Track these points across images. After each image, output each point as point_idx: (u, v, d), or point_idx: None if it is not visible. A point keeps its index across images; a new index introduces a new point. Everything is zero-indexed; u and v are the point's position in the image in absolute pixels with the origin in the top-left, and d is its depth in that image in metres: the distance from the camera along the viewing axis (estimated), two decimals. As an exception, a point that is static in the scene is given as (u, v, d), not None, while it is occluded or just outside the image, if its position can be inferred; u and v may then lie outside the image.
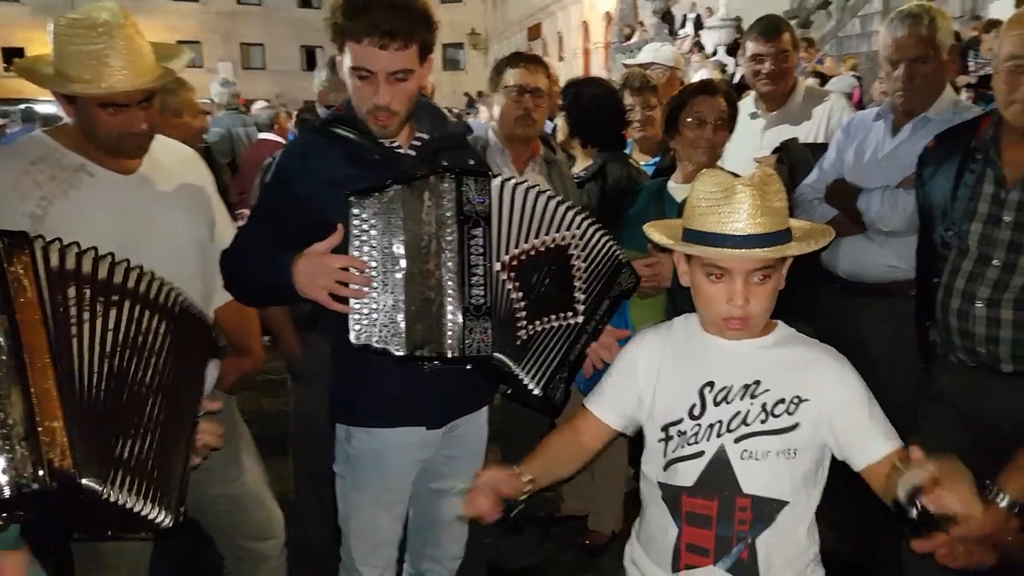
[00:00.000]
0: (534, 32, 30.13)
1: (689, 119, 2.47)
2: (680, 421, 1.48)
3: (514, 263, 1.75)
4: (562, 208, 1.82)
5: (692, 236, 1.41)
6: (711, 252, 1.38)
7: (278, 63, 32.24)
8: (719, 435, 1.44)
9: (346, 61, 1.76)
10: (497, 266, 1.73)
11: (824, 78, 7.11)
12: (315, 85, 3.22)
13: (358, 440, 1.88)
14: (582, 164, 3.13)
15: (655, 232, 1.50)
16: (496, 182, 1.74)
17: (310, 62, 30.85)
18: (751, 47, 3.10)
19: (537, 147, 2.80)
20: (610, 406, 1.60)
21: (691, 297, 1.51)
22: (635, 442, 1.64)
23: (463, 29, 32.68)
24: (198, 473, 1.61)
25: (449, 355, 1.70)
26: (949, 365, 2.07)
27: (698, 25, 17.09)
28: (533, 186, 1.80)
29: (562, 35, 27.64)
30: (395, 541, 2.00)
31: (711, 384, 1.46)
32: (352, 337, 1.67)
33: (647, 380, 1.54)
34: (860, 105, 6.90)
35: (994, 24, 7.67)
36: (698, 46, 15.35)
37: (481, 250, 1.71)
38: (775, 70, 3.04)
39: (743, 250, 1.34)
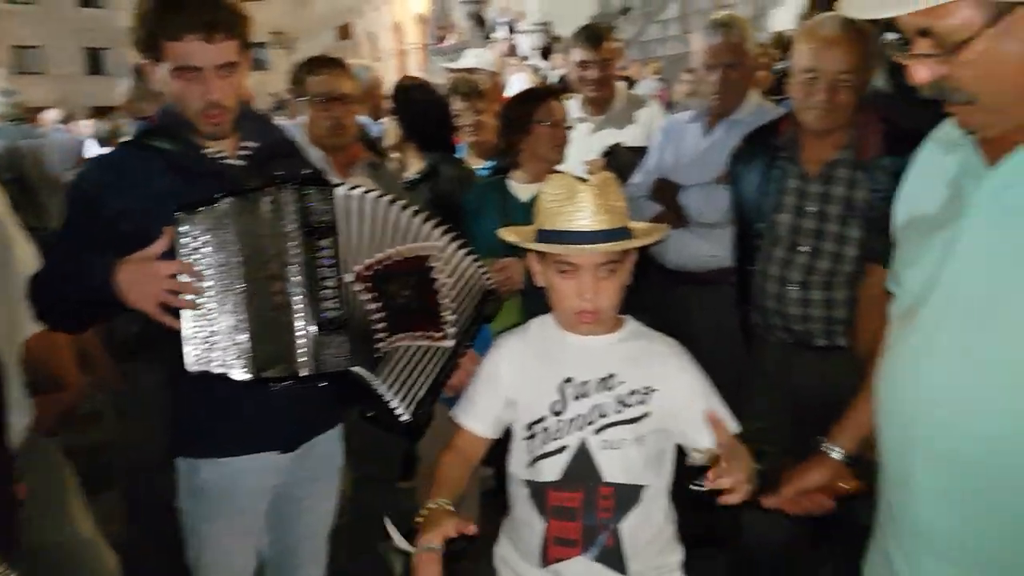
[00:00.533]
0: (344, 32, 29.62)
1: (543, 120, 2.54)
2: (544, 419, 1.53)
3: (368, 273, 1.70)
4: (417, 218, 1.79)
5: (543, 236, 1.49)
6: (560, 248, 1.46)
7: (58, 67, 29.58)
8: (580, 428, 1.50)
9: (164, 65, 1.66)
10: (349, 277, 1.68)
11: (630, 82, 7.52)
12: (118, 95, 3.01)
13: (206, 471, 1.77)
14: (416, 167, 3.10)
15: (510, 235, 1.54)
16: (341, 191, 1.69)
17: (94, 65, 28.56)
18: (577, 54, 3.24)
19: (358, 151, 2.73)
20: (483, 416, 1.62)
21: (544, 298, 1.56)
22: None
23: (266, 28, 31.49)
24: (23, 524, 1.46)
25: (303, 372, 1.63)
26: (768, 343, 2.27)
27: (510, 29, 17.57)
28: (381, 194, 1.77)
29: (375, 35, 27.36)
30: (251, 572, 1.91)
31: (570, 380, 1.53)
32: (189, 363, 1.56)
33: (512, 383, 1.58)
34: (667, 106, 7.37)
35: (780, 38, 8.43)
36: (512, 49, 15.76)
37: (331, 261, 1.65)
38: (601, 76, 3.19)
39: (589, 245, 1.43)
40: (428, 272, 1.79)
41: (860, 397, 1.45)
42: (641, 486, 1.51)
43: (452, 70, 4.35)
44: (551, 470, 1.52)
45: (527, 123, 2.56)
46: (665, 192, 2.71)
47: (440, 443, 3.01)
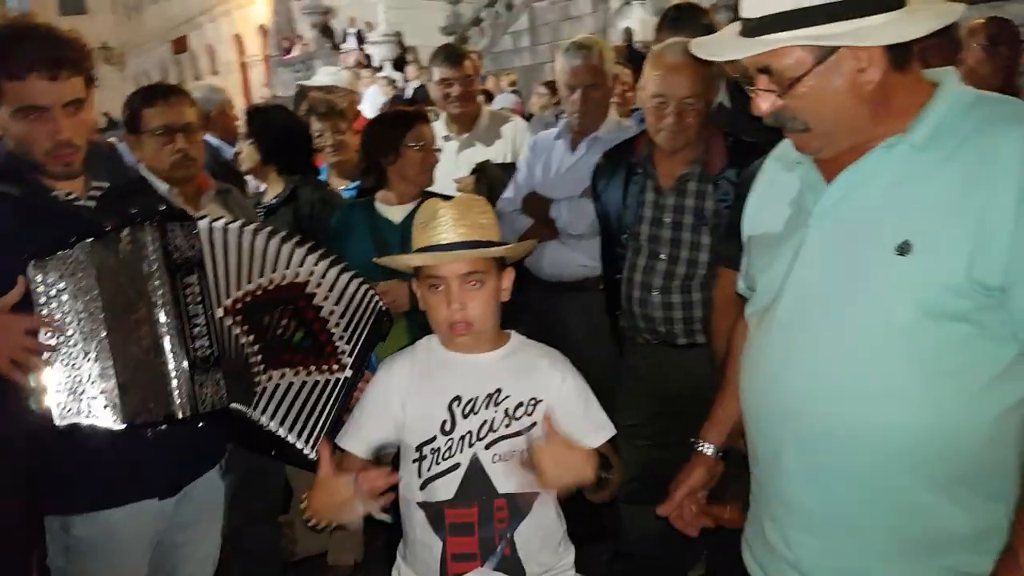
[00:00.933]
0: (179, 44, 28.27)
1: (413, 143, 2.57)
2: (433, 439, 1.56)
3: (238, 306, 1.67)
4: (287, 245, 1.76)
5: (413, 253, 1.58)
6: (420, 259, 1.54)
7: None
8: (471, 444, 1.55)
9: (2, 107, 1.60)
10: (220, 312, 1.64)
11: (489, 96, 7.71)
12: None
13: (79, 528, 1.70)
14: (275, 191, 3.05)
15: (389, 260, 1.62)
16: (204, 224, 1.66)
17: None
18: (438, 72, 3.34)
19: (205, 180, 2.56)
20: (369, 439, 1.61)
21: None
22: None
23: (93, 43, 29.53)
24: None
25: (180, 415, 1.59)
26: (637, 345, 2.46)
27: (360, 39, 17.42)
28: (247, 224, 1.74)
29: (213, 48, 26.31)
30: None
31: (458, 398, 1.56)
32: (55, 418, 1.51)
33: (400, 405, 1.60)
34: (524, 118, 7.57)
35: (621, 46, 8.88)
36: (365, 61, 15.65)
37: (199, 298, 1.62)
38: (463, 93, 3.30)
39: (445, 253, 1.52)
40: (308, 300, 1.75)
41: (722, 393, 1.60)
42: (534, 493, 1.57)
43: (307, 88, 4.31)
44: (445, 489, 1.55)
45: (396, 146, 2.58)
46: (535, 206, 2.85)
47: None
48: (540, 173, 2.91)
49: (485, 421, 1.56)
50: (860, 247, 1.24)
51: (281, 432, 1.67)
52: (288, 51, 19.18)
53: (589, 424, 1.61)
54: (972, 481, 1.23)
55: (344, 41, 17.93)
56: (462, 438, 1.55)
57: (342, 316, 1.77)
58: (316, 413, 1.71)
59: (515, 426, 1.56)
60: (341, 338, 1.76)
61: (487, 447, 1.55)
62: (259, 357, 1.69)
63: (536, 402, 1.58)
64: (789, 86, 1.20)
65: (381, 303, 1.89)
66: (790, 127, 1.26)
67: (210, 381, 1.61)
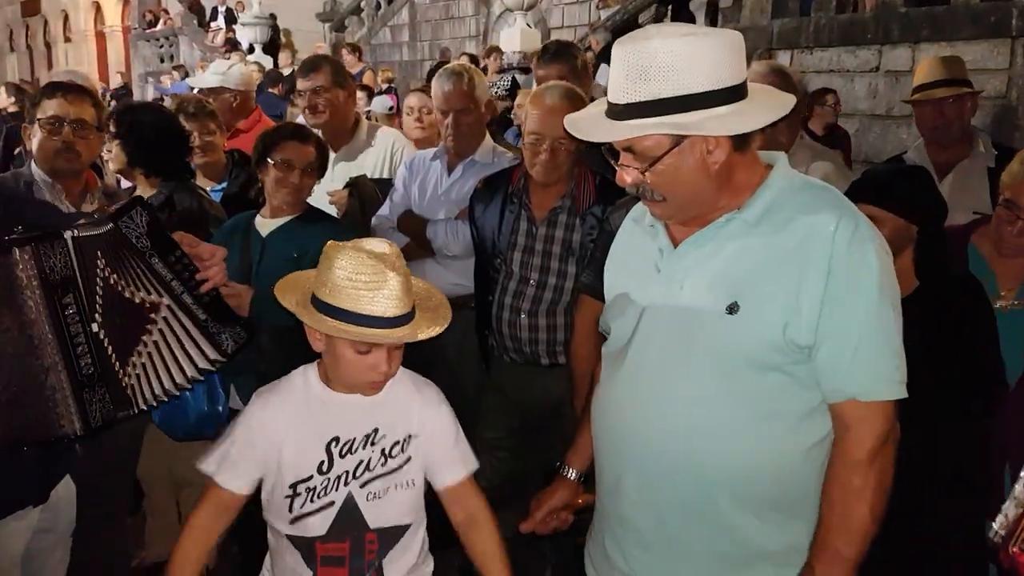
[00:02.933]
0: (31, 7, 26.06)
1: (277, 161, 2.53)
2: (310, 478, 1.57)
3: (103, 317, 1.66)
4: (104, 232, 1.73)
5: (340, 314, 1.48)
6: (369, 335, 1.47)
7: None
8: (346, 483, 1.58)
9: None
10: (94, 327, 1.64)
11: (369, 92, 7.65)
12: None
13: None
14: (144, 193, 2.91)
15: (299, 308, 1.54)
16: (69, 238, 1.62)
17: None
18: (299, 84, 3.36)
19: (92, 179, 2.57)
20: (243, 474, 1.60)
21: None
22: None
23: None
24: None
25: (73, 435, 1.60)
26: (503, 363, 2.61)
27: (230, 19, 16.72)
28: (103, 231, 1.70)
29: (67, 13, 24.46)
30: None
31: (336, 439, 1.59)
32: None
33: (275, 443, 1.59)
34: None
35: (495, 49, 9.07)
36: (232, 43, 15.05)
37: (78, 316, 1.61)
38: (316, 103, 3.29)
39: (395, 330, 1.49)
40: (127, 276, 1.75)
41: (586, 421, 1.74)
42: (406, 525, 1.65)
43: (204, 90, 4.13)
44: (318, 525, 1.58)
45: (263, 159, 2.57)
46: (412, 225, 2.94)
47: (157, 465, 2.92)
48: (416, 193, 3.00)
49: (362, 461, 1.59)
50: (698, 304, 1.44)
51: (168, 388, 1.74)
52: (151, 24, 18.14)
53: (456, 456, 1.68)
54: (782, 505, 1.46)
55: (213, 19, 17.17)
56: (338, 477, 1.58)
57: (137, 265, 1.75)
58: (163, 365, 1.77)
59: (390, 464, 1.61)
60: (145, 286, 1.76)
61: (362, 486, 1.59)
62: (115, 355, 1.69)
63: (411, 438, 1.63)
64: (650, 164, 1.38)
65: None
66: (649, 197, 1.44)
67: (97, 397, 1.62)
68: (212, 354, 1.82)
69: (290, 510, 1.59)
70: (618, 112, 1.37)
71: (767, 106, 1.40)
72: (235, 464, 1.60)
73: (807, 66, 6.92)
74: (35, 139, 2.42)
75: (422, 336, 1.53)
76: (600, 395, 1.62)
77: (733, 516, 1.46)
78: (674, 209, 1.45)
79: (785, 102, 1.45)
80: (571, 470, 1.78)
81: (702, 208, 1.44)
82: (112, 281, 1.68)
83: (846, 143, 6.32)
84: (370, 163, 3.35)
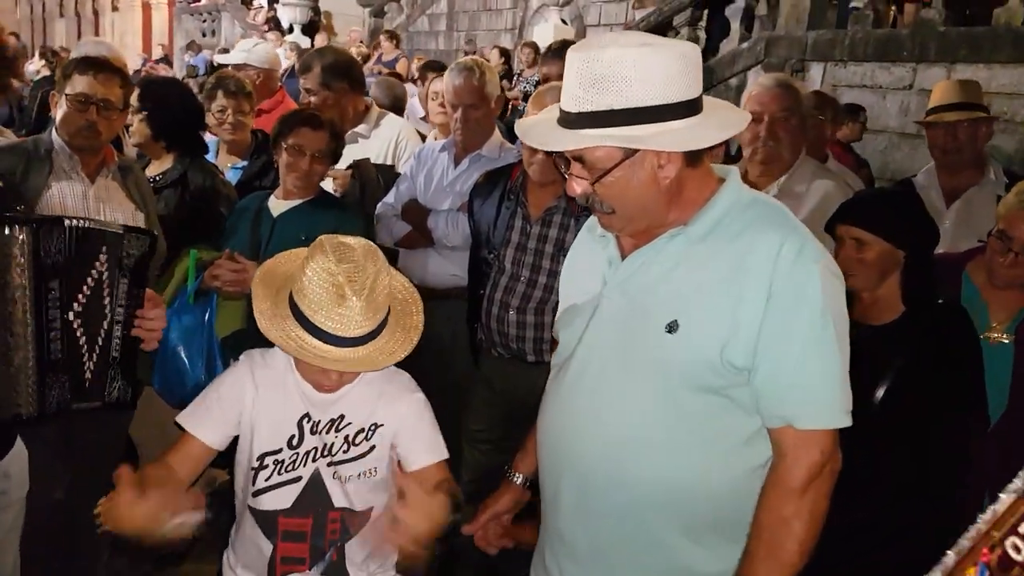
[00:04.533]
0: (82, -26, 26.46)
1: (288, 145, 2.60)
2: (280, 451, 1.60)
3: (80, 308, 1.69)
4: (101, 231, 1.77)
5: (301, 319, 1.50)
6: (318, 355, 1.48)
7: None
8: (314, 460, 1.61)
9: None
10: (70, 315, 1.66)
11: (400, 79, 7.69)
12: None
13: None
14: (161, 166, 3.02)
15: (269, 325, 1.53)
16: (67, 225, 1.65)
17: None
18: (301, 81, 3.43)
19: (110, 153, 2.61)
20: (216, 428, 1.62)
21: None
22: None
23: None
24: None
25: (24, 415, 1.62)
26: (491, 357, 2.63)
27: (272, -2, 16.86)
28: (110, 231, 1.74)
29: (117, -16, 24.80)
30: None
31: (308, 416, 1.62)
32: None
33: (253, 408, 1.62)
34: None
35: (533, 47, 9.06)
36: (274, 21, 15.19)
37: (59, 303, 1.63)
38: (308, 102, 3.36)
39: (346, 354, 1.49)
40: (101, 278, 1.77)
41: (533, 429, 1.72)
42: (370, 508, 1.66)
43: (224, 66, 4.23)
44: (283, 499, 1.60)
45: (278, 143, 2.64)
46: (415, 214, 2.98)
47: (157, 431, 2.99)
48: (422, 183, 3.04)
49: (326, 444, 1.62)
50: (639, 320, 1.42)
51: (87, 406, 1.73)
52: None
53: (424, 444, 1.68)
54: (719, 529, 1.44)
55: (257, -3, 17.32)
56: (307, 453, 1.61)
57: (107, 273, 1.77)
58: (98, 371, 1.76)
59: (353, 452, 1.63)
60: (107, 294, 1.78)
61: (328, 465, 1.62)
62: (87, 354, 1.72)
63: (376, 427, 1.65)
64: (599, 176, 1.35)
65: (114, 229, 1.84)
66: (598, 209, 1.42)
67: (57, 384, 1.64)
68: (94, 390, 1.78)
69: (253, 482, 1.61)
70: (570, 121, 1.33)
71: (722, 123, 1.37)
72: (207, 413, 1.63)
73: (839, 80, 6.85)
74: (60, 111, 2.46)
75: (359, 368, 1.53)
76: (543, 405, 1.60)
77: (665, 536, 1.43)
78: (623, 221, 1.42)
79: (740, 119, 1.42)
80: (517, 475, 1.76)
81: (651, 221, 1.42)
82: (100, 279, 1.72)
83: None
84: (374, 149, 3.41)
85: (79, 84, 2.42)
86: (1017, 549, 0.76)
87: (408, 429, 1.68)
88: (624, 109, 1.29)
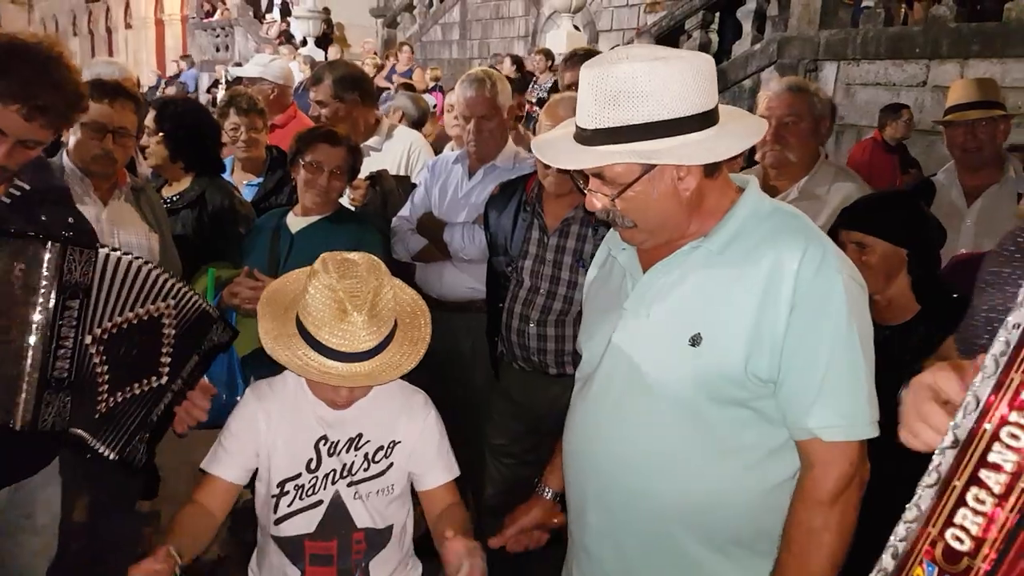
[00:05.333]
0: (96, -10, 26.83)
1: (307, 162, 2.61)
2: (299, 475, 1.61)
3: (105, 336, 1.68)
4: (163, 278, 1.75)
5: (307, 337, 1.51)
6: (324, 372, 1.48)
7: None
8: (333, 482, 1.62)
9: None
10: (88, 339, 1.65)
11: (412, 89, 7.73)
12: None
13: None
14: (176, 188, 3.03)
15: (274, 345, 1.54)
16: (102, 255, 1.66)
17: None
18: (311, 93, 3.44)
19: (123, 175, 2.61)
20: (235, 464, 1.64)
21: None
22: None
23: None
24: None
25: (17, 426, 1.61)
26: (511, 369, 2.61)
27: (285, 11, 17.02)
28: (139, 259, 1.73)
29: (129, 0, 25.10)
30: None
31: (324, 438, 1.63)
32: None
33: (268, 437, 1.63)
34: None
35: (546, 53, 9.07)
36: (287, 35, 15.32)
37: (75, 322, 1.63)
38: (319, 115, 3.38)
39: (349, 364, 1.49)
40: (160, 329, 1.75)
41: (560, 442, 1.71)
42: (390, 526, 1.68)
43: (238, 79, 4.27)
44: (306, 523, 1.61)
45: (295, 159, 2.66)
46: (430, 227, 2.97)
47: (184, 459, 2.98)
48: (437, 195, 3.03)
49: (345, 464, 1.63)
50: (661, 333, 1.41)
51: (96, 445, 1.69)
52: (209, 14, 18.55)
53: (439, 463, 1.71)
54: (745, 542, 1.43)
55: (269, 11, 17.49)
56: (326, 476, 1.63)
57: (175, 335, 1.76)
58: (126, 421, 1.71)
59: (373, 469, 1.65)
60: (166, 352, 1.75)
61: (348, 485, 1.63)
62: (106, 386, 1.69)
63: (394, 444, 1.67)
64: (620, 191, 1.35)
65: (211, 310, 1.84)
66: (619, 223, 1.42)
67: (58, 402, 1.63)
68: (124, 448, 1.74)
69: (275, 510, 1.62)
70: (586, 137, 1.34)
71: (739, 133, 1.36)
72: (225, 453, 1.66)
73: (853, 78, 6.81)
74: (73, 137, 2.44)
75: (365, 383, 1.53)
76: (568, 420, 1.60)
77: (692, 550, 1.43)
78: (644, 235, 1.42)
79: (757, 128, 1.41)
80: (547, 489, 1.76)
81: (672, 233, 1.42)
82: (143, 317, 1.70)
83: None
84: (387, 161, 3.41)
85: (94, 112, 2.35)
86: (959, 540, 0.76)
87: (424, 448, 1.69)
88: (640, 124, 1.29)
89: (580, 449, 1.54)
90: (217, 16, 18.04)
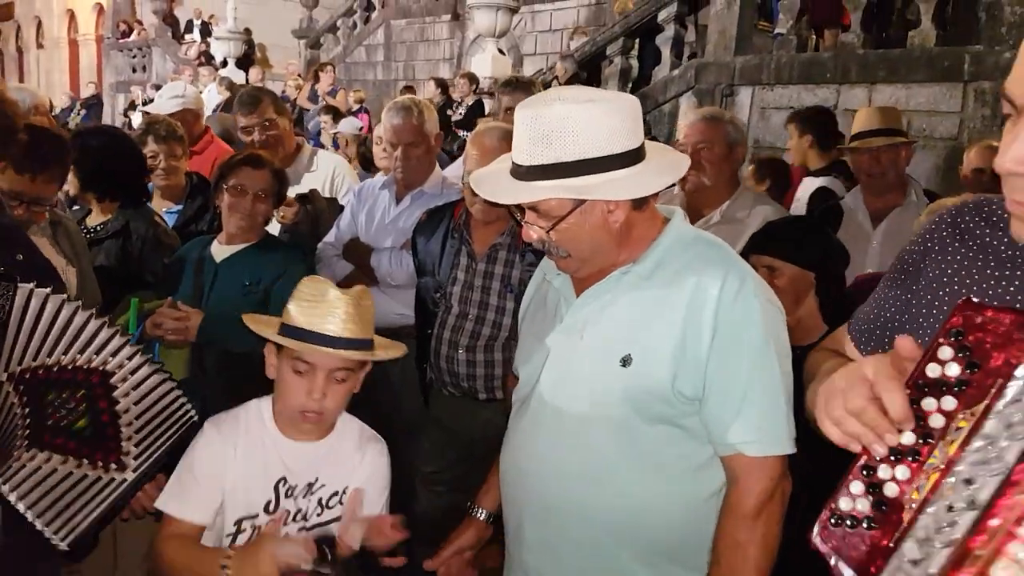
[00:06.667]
0: (4, 12, 25.77)
1: (229, 186, 2.58)
2: (256, 516, 1.61)
3: (27, 376, 1.57)
4: (106, 331, 1.63)
5: (289, 331, 1.57)
6: (303, 346, 1.54)
7: None
8: (285, 524, 1.60)
9: None
10: (2, 376, 1.55)
11: (336, 114, 7.68)
12: None
13: None
14: (99, 218, 2.96)
15: (254, 323, 1.63)
16: (23, 291, 1.56)
17: None
18: (240, 120, 3.41)
19: (43, 213, 2.47)
20: (203, 506, 1.59)
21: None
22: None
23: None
24: None
25: None
26: (442, 396, 2.62)
27: (205, 32, 16.68)
28: (75, 303, 1.62)
29: (41, 19, 24.23)
30: None
31: (284, 479, 1.62)
32: None
33: (227, 476, 1.60)
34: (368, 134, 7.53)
35: (470, 77, 9.14)
36: (207, 56, 15.01)
37: None
38: (264, 139, 3.35)
39: (332, 349, 1.54)
40: (107, 392, 1.63)
41: (495, 463, 1.76)
42: None
43: (158, 115, 4.14)
44: None
45: (219, 187, 2.62)
46: (357, 252, 2.97)
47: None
48: (364, 221, 3.03)
49: (300, 509, 1.62)
50: (595, 355, 1.48)
51: (29, 516, 1.54)
52: (125, 34, 18.03)
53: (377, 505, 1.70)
54: (675, 556, 1.49)
55: (188, 31, 17.11)
56: (284, 515, 1.60)
57: (139, 417, 1.65)
58: (78, 507, 1.57)
59: (327, 515, 1.64)
60: (130, 439, 1.63)
61: (299, 530, 1.61)
62: (27, 432, 1.57)
63: (347, 490, 1.66)
64: (554, 224, 1.43)
65: (190, 413, 1.73)
66: (554, 253, 1.49)
67: None
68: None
69: (231, 547, 1.58)
70: (521, 173, 1.42)
71: (663, 169, 1.45)
72: (191, 493, 1.60)
73: (768, 102, 7.09)
74: None
75: (352, 354, 1.56)
76: (506, 440, 1.65)
77: (626, 565, 1.48)
78: (577, 263, 1.50)
79: (680, 164, 1.50)
80: (480, 510, 1.80)
81: (603, 262, 1.50)
82: (55, 360, 1.58)
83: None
84: (312, 185, 3.38)
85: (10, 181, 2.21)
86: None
87: (371, 499, 1.68)
88: (572, 161, 1.36)
89: (517, 468, 1.58)
90: (134, 36, 17.55)
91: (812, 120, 4.30)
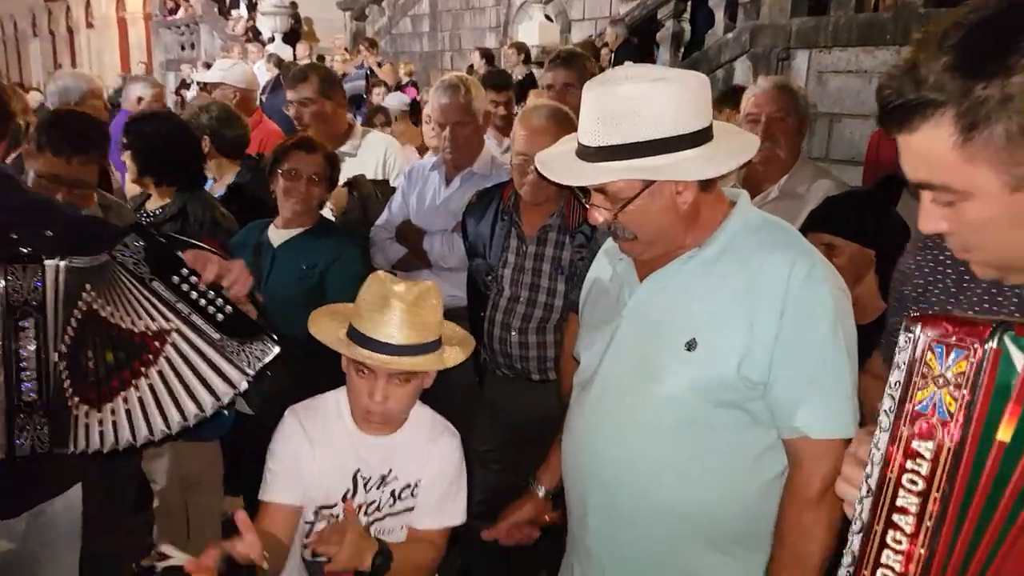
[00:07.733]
0: (54, -8, 26.30)
1: (284, 171, 2.61)
2: (335, 506, 1.65)
3: (66, 349, 1.58)
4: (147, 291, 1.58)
5: (351, 333, 1.59)
6: (357, 352, 1.56)
7: None
8: (362, 515, 1.64)
9: None
10: (55, 356, 1.58)
11: (385, 88, 7.66)
12: None
13: None
14: (158, 202, 2.99)
15: (319, 330, 1.62)
16: (51, 267, 1.56)
17: None
18: (288, 94, 3.40)
19: (90, 197, 2.58)
20: (289, 486, 1.64)
21: None
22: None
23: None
24: None
25: None
26: (495, 377, 2.63)
27: (251, 7, 16.76)
28: (91, 264, 1.59)
29: (90, -1, 24.65)
30: None
31: (359, 471, 1.66)
32: None
33: (309, 463, 1.65)
34: (416, 106, 7.48)
35: (519, 47, 9.03)
36: (254, 31, 15.10)
37: (34, 342, 1.56)
38: (299, 115, 3.34)
39: (384, 355, 1.55)
40: (106, 324, 1.59)
41: (556, 441, 1.77)
42: None
43: (201, 84, 4.25)
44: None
45: (273, 171, 2.66)
46: (409, 236, 2.97)
47: (164, 463, 2.95)
48: (415, 203, 3.02)
49: (374, 500, 1.66)
50: (658, 339, 1.47)
51: (177, 420, 1.57)
52: (172, 11, 18.25)
53: (446, 506, 1.72)
54: (739, 538, 1.49)
55: (235, 7, 17.22)
56: (358, 507, 1.64)
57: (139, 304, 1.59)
58: (190, 381, 1.56)
59: (397, 506, 1.68)
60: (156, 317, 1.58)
61: (371, 524, 1.66)
62: (84, 396, 1.60)
63: (419, 483, 1.69)
64: (621, 206, 1.41)
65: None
66: (620, 235, 1.47)
67: (31, 426, 1.57)
68: (233, 375, 1.57)
69: (307, 535, 1.64)
70: (589, 154, 1.39)
71: (733, 149, 1.42)
72: (276, 477, 1.66)
73: (825, 66, 6.84)
74: (32, 172, 2.40)
75: (401, 362, 1.54)
76: (567, 424, 1.65)
77: (691, 549, 1.49)
78: (644, 246, 1.48)
79: (750, 145, 1.47)
80: (539, 487, 1.82)
81: (670, 245, 1.48)
82: (105, 314, 1.59)
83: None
84: (363, 167, 3.38)
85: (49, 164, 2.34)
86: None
87: (439, 489, 1.71)
88: (641, 142, 1.34)
89: (579, 453, 1.58)
90: (181, 13, 17.73)
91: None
